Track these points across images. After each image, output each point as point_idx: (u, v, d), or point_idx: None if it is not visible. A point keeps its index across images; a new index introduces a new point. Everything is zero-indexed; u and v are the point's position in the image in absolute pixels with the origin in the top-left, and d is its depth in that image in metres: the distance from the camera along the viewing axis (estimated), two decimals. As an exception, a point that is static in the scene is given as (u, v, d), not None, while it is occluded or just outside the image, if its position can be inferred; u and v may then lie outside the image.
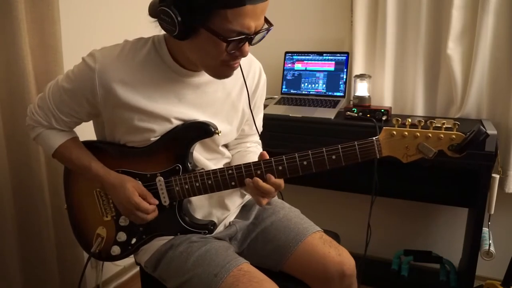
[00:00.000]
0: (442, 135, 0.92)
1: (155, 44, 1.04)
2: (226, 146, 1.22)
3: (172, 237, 1.10)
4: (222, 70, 0.98)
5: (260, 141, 1.32)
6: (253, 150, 1.26)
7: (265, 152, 1.03)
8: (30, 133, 1.16)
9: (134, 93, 1.01)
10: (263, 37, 0.96)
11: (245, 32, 0.88)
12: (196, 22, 0.88)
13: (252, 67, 1.18)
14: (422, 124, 0.93)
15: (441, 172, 1.89)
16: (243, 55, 0.94)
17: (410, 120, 0.95)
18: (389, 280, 2.03)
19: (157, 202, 1.08)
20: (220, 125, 1.10)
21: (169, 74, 1.04)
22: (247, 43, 0.92)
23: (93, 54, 1.01)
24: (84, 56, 1.03)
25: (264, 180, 0.99)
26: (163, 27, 0.92)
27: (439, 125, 0.93)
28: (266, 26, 0.94)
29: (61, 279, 1.63)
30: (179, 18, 0.87)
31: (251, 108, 1.16)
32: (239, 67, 1.08)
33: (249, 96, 1.14)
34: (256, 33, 0.91)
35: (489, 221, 1.68)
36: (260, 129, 1.28)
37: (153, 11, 0.93)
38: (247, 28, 0.87)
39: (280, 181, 1.01)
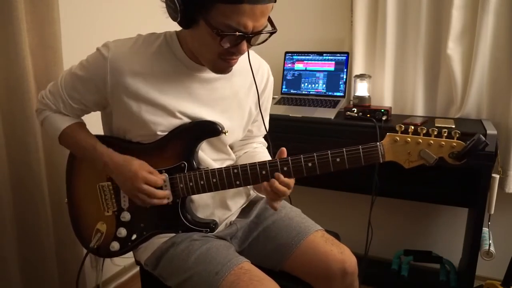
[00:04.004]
0: (443, 143, 0.94)
1: (167, 38, 1.06)
2: (231, 147, 1.22)
3: (173, 235, 1.10)
4: (219, 64, 0.99)
5: (264, 141, 1.33)
6: (260, 151, 1.27)
7: (284, 149, 1.02)
8: (38, 117, 1.18)
9: (145, 84, 1.03)
10: (266, 39, 0.97)
11: (241, 30, 0.89)
12: (197, 13, 0.90)
13: (261, 68, 1.19)
14: (424, 131, 0.95)
15: (441, 172, 1.88)
16: (240, 53, 0.95)
17: (413, 127, 0.96)
18: (389, 280, 2.02)
19: (163, 177, 1.06)
20: (227, 123, 1.10)
21: (180, 68, 1.05)
22: (244, 41, 0.93)
23: (107, 45, 1.04)
24: (99, 46, 1.05)
25: (273, 181, 0.99)
26: (168, 12, 0.95)
27: (441, 132, 0.94)
28: (269, 28, 0.94)
29: (60, 277, 1.62)
30: (181, 7, 0.90)
31: (260, 107, 1.17)
32: (249, 68, 1.09)
33: (259, 95, 1.15)
34: (255, 33, 0.92)
35: (489, 221, 1.68)
36: (266, 129, 1.29)
37: None
38: (243, 26, 0.89)
39: (289, 181, 1.01)
